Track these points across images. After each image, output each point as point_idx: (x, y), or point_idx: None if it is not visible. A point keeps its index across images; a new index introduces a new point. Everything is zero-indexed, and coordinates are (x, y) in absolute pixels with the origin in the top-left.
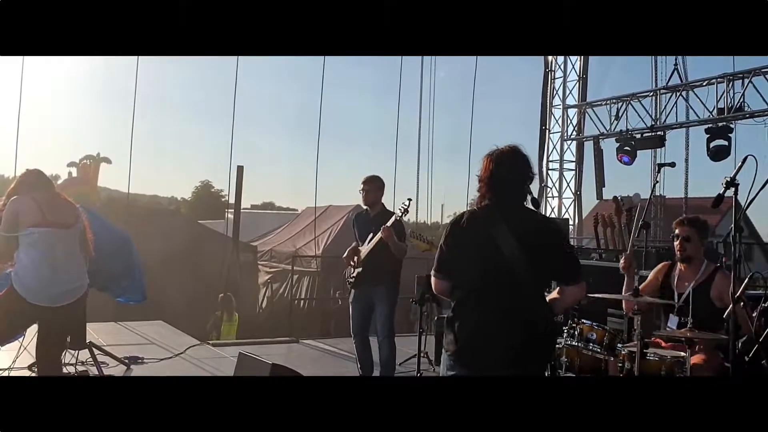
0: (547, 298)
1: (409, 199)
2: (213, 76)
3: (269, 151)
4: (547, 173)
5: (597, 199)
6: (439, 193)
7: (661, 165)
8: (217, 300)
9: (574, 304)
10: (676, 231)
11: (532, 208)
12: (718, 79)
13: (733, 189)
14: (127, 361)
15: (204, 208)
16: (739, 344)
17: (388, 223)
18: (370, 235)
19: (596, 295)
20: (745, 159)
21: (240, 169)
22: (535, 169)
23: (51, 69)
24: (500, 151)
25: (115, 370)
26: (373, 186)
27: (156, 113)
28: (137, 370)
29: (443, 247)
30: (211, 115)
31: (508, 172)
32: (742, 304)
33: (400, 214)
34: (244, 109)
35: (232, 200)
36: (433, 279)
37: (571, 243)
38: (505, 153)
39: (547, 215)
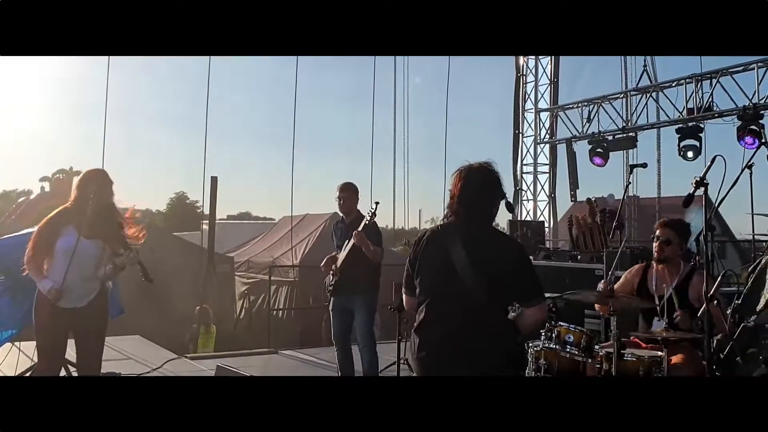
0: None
1: (377, 203)
2: (184, 87)
3: (244, 160)
4: (521, 176)
5: (571, 201)
6: (417, 197)
7: (633, 166)
8: (194, 312)
9: (537, 325)
10: (657, 232)
11: (498, 228)
12: (687, 80)
13: (702, 188)
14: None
15: (179, 220)
16: (714, 342)
17: (359, 228)
18: (346, 242)
19: (569, 295)
20: (714, 159)
21: (214, 179)
22: (506, 186)
23: (23, 81)
24: (471, 169)
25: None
26: (350, 193)
27: (129, 125)
28: None
29: (408, 265)
30: (184, 126)
31: (475, 191)
32: (716, 302)
33: (368, 219)
34: (216, 119)
35: (207, 211)
36: (403, 296)
37: (531, 262)
38: (475, 170)
39: (511, 234)
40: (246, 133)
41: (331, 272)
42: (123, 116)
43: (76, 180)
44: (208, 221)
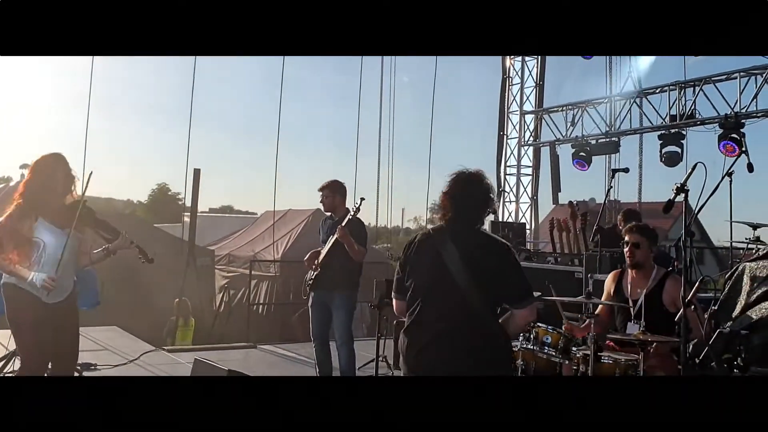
0: (500, 320)
1: (362, 199)
2: (169, 79)
3: (227, 153)
4: (505, 178)
5: (553, 203)
6: (400, 196)
7: (615, 170)
8: (173, 305)
9: (526, 326)
10: (626, 238)
11: (487, 231)
12: (671, 87)
13: (683, 195)
14: (79, 367)
15: (160, 212)
16: (690, 347)
17: (343, 223)
18: (330, 237)
19: (553, 299)
20: (695, 166)
21: (197, 172)
22: (495, 196)
23: (4, 71)
24: (466, 175)
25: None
26: (330, 191)
27: (112, 115)
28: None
29: (399, 269)
30: (168, 117)
31: (467, 197)
32: (693, 307)
33: (352, 213)
34: (201, 112)
35: (189, 203)
36: (393, 300)
37: (520, 264)
38: (469, 178)
39: (499, 237)
40: (230, 126)
41: (313, 267)
42: (106, 106)
43: (35, 166)
44: (189, 213)
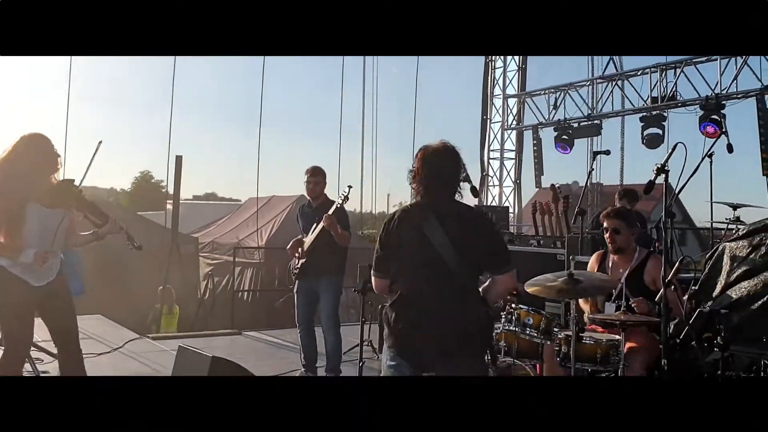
0: (480, 288)
1: (350, 186)
2: (151, 65)
3: (211, 141)
4: (488, 162)
5: (536, 187)
6: (385, 182)
7: (596, 153)
8: (157, 293)
9: (507, 293)
10: (605, 224)
11: (463, 201)
12: (652, 69)
13: (663, 175)
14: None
15: (144, 200)
16: (671, 327)
17: (330, 211)
18: (314, 225)
19: (534, 283)
20: (675, 146)
21: (179, 159)
22: (472, 169)
23: None
24: (430, 149)
25: (51, 366)
26: (319, 177)
27: (93, 103)
28: None
29: (379, 247)
30: (150, 104)
31: (437, 170)
32: (673, 287)
33: (340, 202)
34: (183, 99)
35: (172, 191)
36: (373, 278)
37: (501, 233)
38: (434, 150)
39: (478, 206)
40: (213, 112)
41: (297, 255)
42: (87, 93)
43: (18, 144)
44: (172, 201)
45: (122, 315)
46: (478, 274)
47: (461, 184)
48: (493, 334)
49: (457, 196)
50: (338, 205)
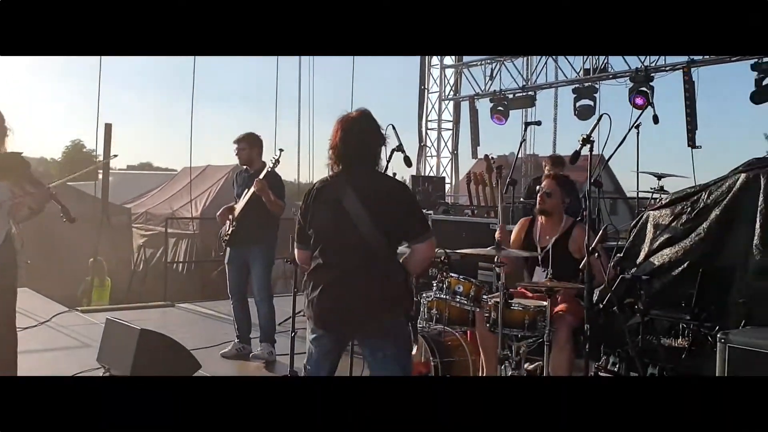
0: (401, 259)
1: (281, 150)
2: None
3: (142, 108)
4: (426, 132)
5: (473, 158)
6: (323, 152)
7: (527, 123)
8: (88, 265)
9: (427, 261)
10: (543, 184)
11: (381, 171)
12: None
13: (588, 146)
14: None
15: (75, 169)
16: (597, 293)
17: (260, 176)
18: (245, 191)
19: (463, 251)
20: (600, 117)
21: (108, 126)
22: (405, 133)
23: None
24: (348, 118)
25: None
26: (246, 144)
27: (22, 70)
28: None
29: (300, 218)
30: (78, 72)
31: (356, 140)
32: (597, 255)
33: (271, 166)
34: (113, 66)
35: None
36: (295, 250)
37: (418, 201)
38: (353, 119)
39: (412, 188)
40: (147, 79)
41: (228, 221)
42: (15, 59)
43: None
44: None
45: (51, 288)
46: (396, 244)
47: (383, 153)
48: (413, 304)
49: (377, 165)
50: (269, 169)
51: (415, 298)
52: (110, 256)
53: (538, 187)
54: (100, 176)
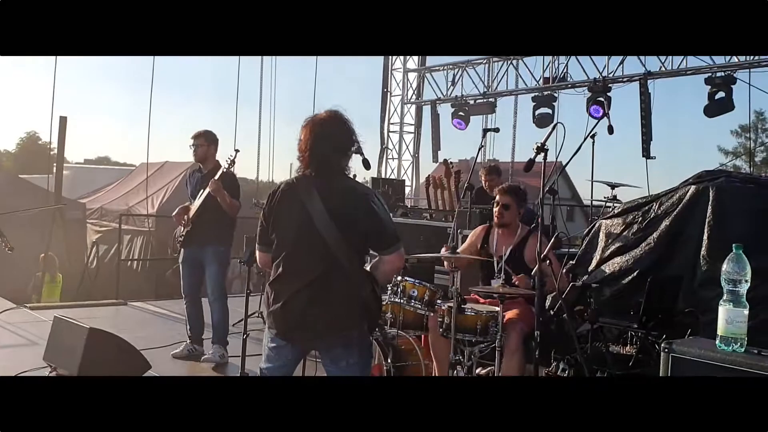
0: (368, 268)
1: (237, 150)
2: None
3: (102, 102)
4: (388, 135)
5: (433, 161)
6: (284, 151)
7: (486, 130)
8: (39, 260)
9: (394, 272)
10: (497, 198)
11: (350, 176)
12: None
13: (542, 154)
14: None
15: (29, 162)
16: (549, 299)
17: (216, 177)
18: (201, 191)
19: (417, 255)
20: (554, 126)
21: (63, 119)
22: (367, 135)
23: None
24: (318, 119)
25: None
26: (203, 140)
27: None
28: None
29: (262, 219)
30: (35, 62)
31: (325, 141)
32: (548, 262)
33: (226, 166)
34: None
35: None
36: (257, 252)
37: (387, 211)
38: (322, 120)
39: (362, 182)
40: (106, 72)
41: (183, 223)
42: None
43: None
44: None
45: (1, 284)
46: (363, 253)
47: (352, 156)
48: (380, 315)
49: (347, 169)
50: (224, 170)
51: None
52: (62, 251)
53: (493, 201)
54: (55, 170)
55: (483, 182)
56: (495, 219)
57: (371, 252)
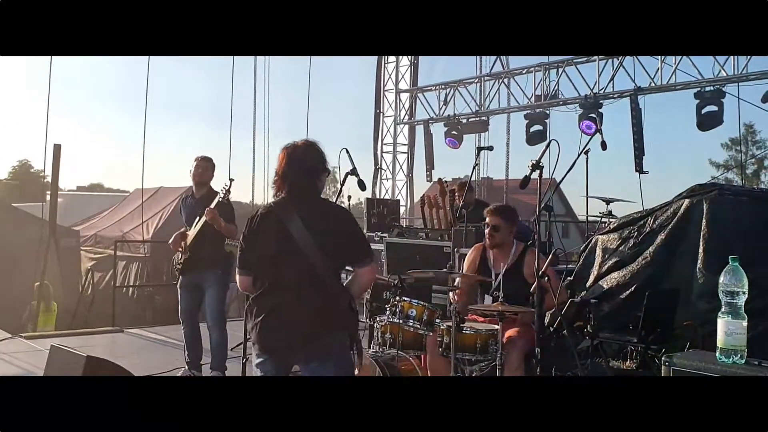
0: (345, 283)
1: (231, 180)
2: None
3: (95, 129)
4: (381, 156)
5: (427, 181)
6: None
7: (480, 148)
8: (33, 289)
9: (368, 285)
10: (487, 219)
11: (326, 198)
12: (536, 68)
13: (538, 171)
14: None
15: (23, 190)
16: (548, 316)
17: (212, 205)
18: (197, 219)
19: (417, 274)
20: (549, 143)
21: (57, 147)
22: (361, 156)
23: None
24: (294, 147)
25: None
26: (208, 164)
27: None
28: None
29: (242, 243)
30: (28, 90)
31: (300, 167)
32: (546, 278)
33: (221, 196)
34: (62, 85)
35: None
36: (237, 276)
37: (360, 227)
38: (298, 148)
39: (368, 212)
40: (99, 99)
41: (180, 250)
42: None
43: None
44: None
45: None
46: (340, 268)
47: (323, 181)
48: (357, 326)
49: (321, 192)
50: (220, 199)
51: (359, 320)
52: (57, 280)
53: (484, 223)
54: (48, 198)
55: (457, 197)
56: (487, 241)
57: (346, 267)
